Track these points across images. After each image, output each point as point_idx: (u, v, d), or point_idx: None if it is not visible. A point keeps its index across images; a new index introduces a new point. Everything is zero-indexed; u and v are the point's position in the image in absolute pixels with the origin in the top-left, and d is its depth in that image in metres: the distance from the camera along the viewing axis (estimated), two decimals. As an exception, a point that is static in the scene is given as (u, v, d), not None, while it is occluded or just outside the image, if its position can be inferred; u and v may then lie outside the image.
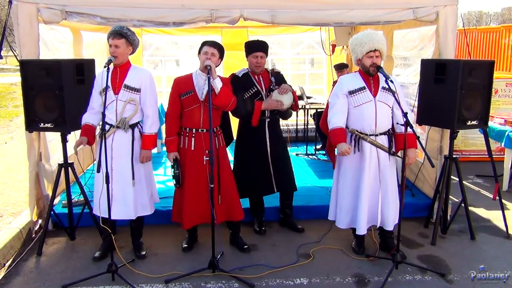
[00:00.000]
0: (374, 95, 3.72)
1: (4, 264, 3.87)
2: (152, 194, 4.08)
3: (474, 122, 4.18)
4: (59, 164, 4.21)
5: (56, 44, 4.99)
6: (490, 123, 5.35)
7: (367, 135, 3.73)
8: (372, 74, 3.72)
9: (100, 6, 4.19)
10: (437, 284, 3.57)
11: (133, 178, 3.81)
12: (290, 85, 4.34)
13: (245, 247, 4.12)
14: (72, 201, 4.39)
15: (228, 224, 4.17)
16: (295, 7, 4.38)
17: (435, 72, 4.17)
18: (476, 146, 7.03)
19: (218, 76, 3.82)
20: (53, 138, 4.71)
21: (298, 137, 8.29)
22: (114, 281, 3.53)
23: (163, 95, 8.06)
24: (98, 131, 3.86)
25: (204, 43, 3.87)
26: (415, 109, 4.63)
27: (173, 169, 3.90)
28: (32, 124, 4.04)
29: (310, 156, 7.18)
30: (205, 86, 3.80)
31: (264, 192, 4.43)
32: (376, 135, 3.74)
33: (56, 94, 3.92)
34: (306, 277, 3.67)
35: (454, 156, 4.34)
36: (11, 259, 3.97)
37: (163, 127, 7.17)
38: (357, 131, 3.74)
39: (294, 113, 4.78)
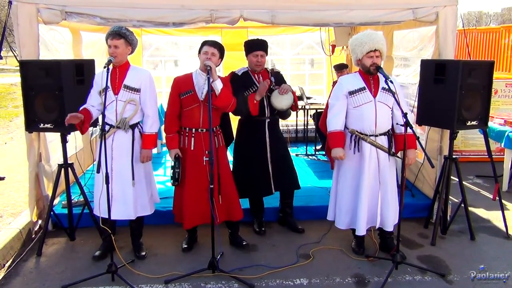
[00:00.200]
0: (374, 96, 3.72)
1: (4, 265, 3.87)
2: (152, 194, 4.08)
3: (474, 123, 4.18)
4: (59, 164, 4.21)
5: (55, 44, 4.99)
6: (490, 124, 5.34)
7: (367, 135, 3.73)
8: (372, 74, 3.72)
9: (99, 7, 4.18)
10: (437, 285, 3.57)
11: (133, 178, 3.81)
12: (289, 85, 4.34)
13: (243, 243, 4.13)
14: (72, 201, 4.39)
15: (227, 223, 4.17)
16: (295, 8, 4.38)
17: (434, 73, 4.17)
18: (476, 146, 7.03)
19: (218, 76, 3.82)
20: (53, 139, 4.71)
21: (298, 137, 8.29)
22: (114, 282, 3.52)
23: (163, 96, 8.06)
24: (97, 132, 3.86)
25: (204, 43, 3.87)
26: (415, 110, 4.63)
27: (173, 167, 3.87)
28: (32, 124, 4.04)
29: (310, 157, 7.18)
30: (205, 86, 3.80)
31: (262, 193, 4.43)
32: (376, 136, 3.74)
33: (56, 95, 3.92)
34: (306, 278, 3.67)
35: (454, 156, 4.34)
36: (11, 260, 3.96)
37: (163, 127, 7.23)
38: (357, 131, 3.74)
39: (293, 113, 4.78)
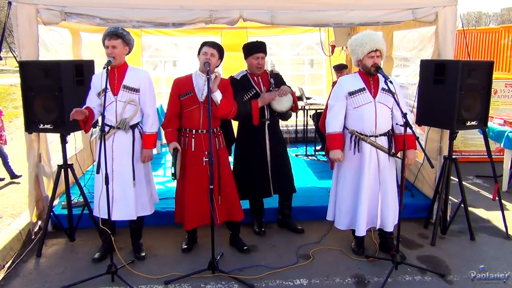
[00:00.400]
0: (374, 96, 3.72)
1: (4, 266, 3.86)
2: (152, 194, 4.09)
3: (473, 123, 4.18)
4: (58, 165, 4.21)
5: (55, 45, 4.99)
6: (489, 124, 5.34)
7: (367, 136, 3.73)
8: (373, 74, 3.72)
9: (99, 7, 4.18)
10: (437, 285, 3.57)
11: (134, 179, 3.82)
12: (289, 86, 4.34)
13: (245, 248, 4.12)
14: (72, 202, 4.38)
15: (228, 224, 4.17)
16: (295, 8, 4.38)
17: (434, 73, 4.17)
18: (476, 146, 7.03)
19: (218, 76, 3.82)
20: (53, 140, 4.71)
21: (298, 138, 8.30)
22: (114, 282, 3.52)
23: (163, 96, 8.06)
24: (97, 132, 3.86)
25: (204, 44, 3.87)
26: (415, 110, 4.64)
27: (172, 161, 3.80)
28: (31, 125, 4.04)
29: (310, 157, 7.18)
30: (205, 87, 3.80)
31: (262, 194, 4.43)
32: (376, 136, 3.74)
33: (55, 95, 3.92)
34: (306, 278, 3.67)
35: (453, 156, 4.34)
36: (11, 261, 3.96)
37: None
38: (357, 132, 3.74)
39: (293, 114, 4.78)
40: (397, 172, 4.00)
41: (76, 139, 4.67)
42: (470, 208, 4.65)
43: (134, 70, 3.89)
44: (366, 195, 3.74)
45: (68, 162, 4.23)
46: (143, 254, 4.02)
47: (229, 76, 4.36)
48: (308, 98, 7.41)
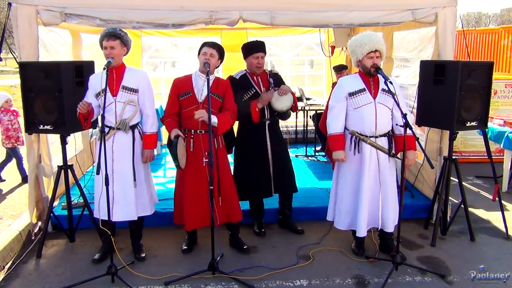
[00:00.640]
0: (374, 97, 3.72)
1: (4, 267, 3.86)
2: (151, 194, 4.09)
3: (473, 123, 4.18)
4: (58, 166, 4.21)
5: (55, 46, 4.99)
6: (489, 124, 5.35)
7: (367, 137, 3.73)
8: (373, 75, 3.72)
9: (99, 8, 4.18)
10: (437, 285, 3.57)
11: (135, 179, 3.82)
12: (289, 86, 4.35)
13: (244, 247, 4.12)
14: (72, 203, 4.38)
15: (228, 225, 4.17)
16: (294, 9, 4.38)
17: (434, 73, 4.17)
18: (476, 147, 7.03)
19: (218, 78, 3.82)
20: (54, 141, 4.71)
21: (298, 138, 8.30)
22: (114, 283, 3.52)
23: (162, 97, 8.06)
24: (97, 133, 3.85)
25: (204, 44, 3.88)
26: (415, 111, 4.64)
27: (172, 156, 3.72)
28: (31, 126, 4.04)
29: (310, 158, 7.18)
30: (204, 88, 3.81)
31: (263, 195, 4.43)
32: (376, 137, 3.74)
33: (55, 96, 3.92)
34: (306, 279, 3.67)
35: (453, 157, 4.34)
36: (11, 262, 3.96)
37: (163, 128, 7.23)
38: (357, 132, 3.74)
39: (293, 114, 4.78)
40: (397, 173, 4.01)
41: (76, 140, 4.67)
42: (470, 209, 4.64)
43: (133, 71, 3.89)
44: (367, 196, 3.74)
45: (68, 163, 4.23)
46: (143, 255, 4.02)
47: (228, 76, 4.36)
48: (308, 99, 7.41)
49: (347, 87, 3.77)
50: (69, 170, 4.19)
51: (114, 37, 3.69)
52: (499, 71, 10.71)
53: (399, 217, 3.65)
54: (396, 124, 3.77)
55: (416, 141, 3.51)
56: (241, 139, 4.39)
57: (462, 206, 4.41)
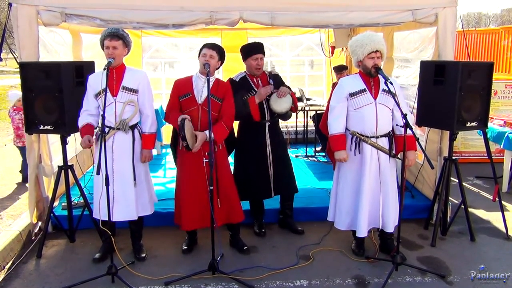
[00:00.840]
0: (375, 98, 3.72)
1: (4, 267, 3.87)
2: (151, 194, 4.09)
3: (473, 124, 4.18)
4: (58, 166, 4.21)
5: (55, 46, 4.99)
6: (489, 125, 5.35)
7: (368, 137, 3.73)
8: (373, 75, 3.72)
9: (99, 8, 4.19)
10: (437, 286, 3.57)
11: (135, 179, 3.82)
12: (289, 87, 4.35)
13: (244, 248, 4.12)
14: (72, 203, 4.39)
15: (228, 226, 4.17)
16: (295, 9, 4.38)
17: (434, 74, 4.18)
18: (476, 147, 7.03)
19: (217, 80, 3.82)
20: (54, 141, 4.71)
21: (298, 139, 8.30)
22: (114, 283, 3.52)
23: (163, 97, 8.07)
24: (96, 133, 3.85)
25: (204, 45, 3.87)
26: (415, 111, 4.64)
27: (182, 140, 3.65)
28: (32, 126, 4.04)
29: (310, 158, 7.18)
30: (204, 89, 3.81)
31: (262, 196, 4.43)
32: (377, 137, 3.75)
33: (55, 96, 3.92)
34: (306, 279, 3.67)
35: (453, 157, 4.34)
36: (11, 262, 3.96)
37: (163, 129, 7.24)
38: (358, 133, 3.75)
39: (293, 115, 4.78)
40: (397, 173, 4.01)
41: (76, 140, 4.66)
42: (470, 209, 4.65)
43: (132, 71, 3.89)
44: (367, 196, 3.74)
45: (69, 163, 4.23)
46: (143, 255, 4.02)
47: (228, 78, 4.35)
48: (308, 99, 7.42)
49: (348, 88, 3.77)
50: (69, 170, 4.19)
51: (117, 37, 3.69)
52: (499, 71, 10.70)
53: (399, 217, 3.65)
54: (397, 125, 3.77)
55: (416, 142, 3.51)
56: (241, 139, 4.39)
57: (462, 206, 4.41)
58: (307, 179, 5.99)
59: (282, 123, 4.69)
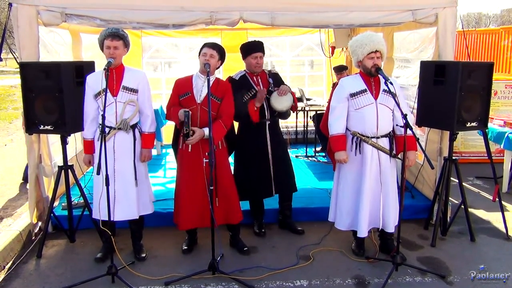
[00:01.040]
0: (375, 98, 3.72)
1: (4, 267, 3.87)
2: (150, 193, 4.10)
3: (473, 124, 4.18)
4: (59, 166, 4.21)
5: (55, 46, 4.99)
6: (489, 125, 5.35)
7: (368, 137, 3.73)
8: (373, 75, 3.73)
9: (99, 9, 4.19)
10: (437, 286, 3.57)
11: (136, 178, 3.82)
12: (288, 86, 4.35)
13: (244, 249, 4.12)
14: (72, 203, 4.39)
15: (228, 226, 4.17)
16: (295, 9, 4.38)
17: (434, 74, 4.18)
18: (476, 147, 7.03)
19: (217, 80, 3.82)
20: (55, 141, 4.71)
21: (298, 139, 8.29)
22: (114, 283, 3.52)
23: (163, 98, 8.06)
24: (96, 133, 3.85)
25: (204, 45, 3.88)
26: (415, 111, 4.64)
27: (186, 128, 3.69)
28: (32, 126, 4.04)
29: (310, 158, 7.17)
30: (203, 89, 3.81)
31: (263, 195, 4.43)
32: (378, 138, 3.74)
33: (56, 96, 3.92)
34: (306, 279, 3.67)
35: (453, 157, 4.34)
36: (11, 262, 3.96)
37: (163, 129, 7.24)
38: (358, 133, 3.74)
39: (293, 115, 4.78)
40: (397, 173, 4.01)
41: (76, 140, 4.67)
42: (470, 209, 4.65)
43: (132, 71, 3.90)
44: (368, 197, 3.74)
45: (69, 163, 4.23)
46: (144, 255, 4.02)
47: (227, 77, 4.36)
48: (308, 99, 7.41)
49: (348, 88, 3.77)
50: (69, 170, 4.19)
51: (118, 37, 3.70)
52: (499, 71, 10.70)
53: (399, 217, 3.65)
54: (397, 125, 3.77)
55: (417, 142, 3.51)
56: (241, 139, 4.39)
57: (462, 206, 4.41)
58: (307, 179, 5.99)
59: (282, 123, 4.69)
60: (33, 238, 4.37)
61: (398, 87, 3.79)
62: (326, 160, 6.92)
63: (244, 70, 4.38)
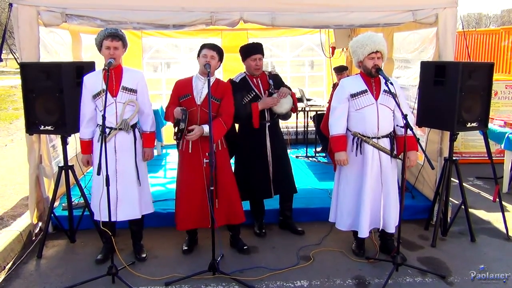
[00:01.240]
0: (376, 98, 3.72)
1: (4, 267, 3.87)
2: (149, 193, 4.10)
3: (474, 124, 4.18)
4: (59, 166, 4.21)
5: (55, 46, 4.99)
6: (490, 125, 5.35)
7: (369, 138, 3.73)
8: (374, 76, 3.73)
9: (100, 9, 4.19)
10: (438, 286, 3.57)
11: (138, 178, 3.83)
12: (289, 87, 4.35)
13: (244, 247, 4.12)
14: (72, 203, 4.39)
15: (229, 226, 4.17)
16: (295, 10, 4.39)
17: (434, 74, 4.18)
18: (476, 148, 7.03)
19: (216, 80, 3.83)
20: (55, 141, 4.71)
21: (298, 139, 8.30)
22: (114, 284, 3.52)
23: (163, 98, 8.07)
24: (96, 134, 3.85)
25: (203, 46, 3.87)
26: (415, 111, 4.64)
27: (182, 123, 3.69)
28: (32, 126, 4.04)
29: (310, 159, 7.17)
30: (203, 90, 3.81)
31: (262, 195, 4.44)
32: (378, 138, 3.74)
33: (56, 97, 3.92)
34: (306, 280, 3.67)
35: (454, 158, 4.34)
36: (11, 262, 3.96)
37: (163, 129, 7.24)
38: (359, 134, 3.75)
39: (294, 115, 4.78)
40: (398, 174, 4.01)
41: (76, 141, 4.67)
42: (470, 210, 4.65)
43: (130, 71, 3.90)
44: (369, 197, 3.74)
45: (69, 164, 4.23)
46: (144, 255, 4.02)
47: (228, 79, 4.36)
48: (308, 100, 7.42)
49: (349, 88, 3.77)
50: (69, 170, 4.19)
51: (118, 38, 3.70)
52: (500, 72, 10.70)
53: (399, 218, 3.65)
54: (397, 125, 3.77)
55: (417, 142, 3.51)
56: (241, 139, 4.39)
57: (463, 207, 4.41)
58: (308, 179, 5.98)
59: (282, 124, 4.68)
60: (34, 238, 4.37)
61: (399, 88, 3.79)
62: (326, 161, 6.92)
63: (244, 72, 4.38)
